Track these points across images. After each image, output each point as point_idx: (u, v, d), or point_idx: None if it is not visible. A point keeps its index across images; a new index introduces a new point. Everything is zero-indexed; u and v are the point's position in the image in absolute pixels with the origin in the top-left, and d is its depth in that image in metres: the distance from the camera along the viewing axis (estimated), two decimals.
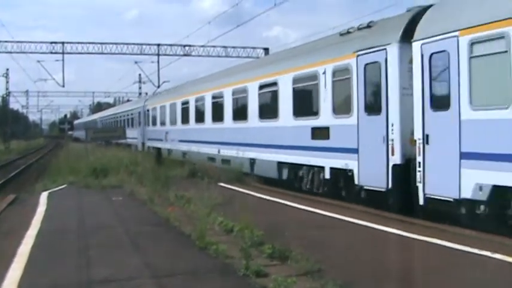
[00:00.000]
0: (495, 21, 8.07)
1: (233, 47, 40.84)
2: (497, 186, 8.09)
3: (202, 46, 39.89)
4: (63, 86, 44.54)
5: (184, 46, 40.96)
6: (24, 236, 8.54)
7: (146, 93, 59.31)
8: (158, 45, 41.21)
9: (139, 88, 66.31)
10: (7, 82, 63.58)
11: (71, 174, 18.38)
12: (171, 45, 41.46)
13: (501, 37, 7.97)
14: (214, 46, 40.14)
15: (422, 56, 9.56)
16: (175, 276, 6.11)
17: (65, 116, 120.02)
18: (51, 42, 39.43)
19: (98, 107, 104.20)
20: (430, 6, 10.26)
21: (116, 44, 40.73)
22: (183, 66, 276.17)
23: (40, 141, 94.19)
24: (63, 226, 9.60)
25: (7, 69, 63.77)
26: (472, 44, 8.50)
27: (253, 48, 40.97)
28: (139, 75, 63.36)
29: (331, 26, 30.23)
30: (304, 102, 13.84)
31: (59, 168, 22.56)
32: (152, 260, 6.83)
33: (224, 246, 7.17)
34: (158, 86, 44.39)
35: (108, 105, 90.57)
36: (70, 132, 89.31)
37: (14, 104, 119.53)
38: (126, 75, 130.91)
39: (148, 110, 33.23)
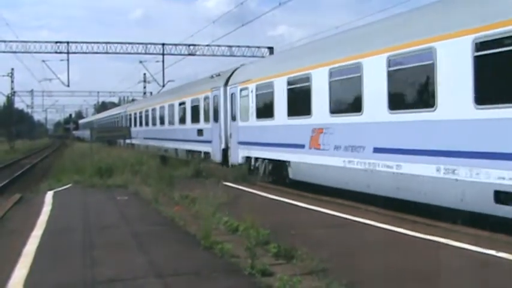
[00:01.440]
0: (246, 81, 17.84)
1: (238, 46, 40.98)
2: (246, 156, 17.86)
3: (207, 45, 40.37)
4: (68, 86, 45.14)
5: (189, 45, 41.12)
6: (30, 235, 8.51)
7: (151, 93, 61.19)
8: (163, 44, 41.47)
9: (144, 87, 66.63)
10: (12, 82, 63.67)
11: (75, 173, 18.59)
12: (175, 44, 41.51)
13: (247, 88, 17.70)
14: (219, 45, 40.35)
15: (230, 94, 19.36)
16: (180, 276, 6.12)
17: (70, 115, 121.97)
18: (56, 42, 39.72)
19: (103, 107, 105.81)
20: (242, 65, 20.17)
21: (120, 43, 40.93)
22: (188, 66, 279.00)
23: (45, 141, 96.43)
24: (68, 226, 9.60)
25: (12, 69, 64.01)
26: (241, 90, 18.27)
27: (258, 47, 41.23)
28: (144, 74, 63.35)
29: (334, 25, 36.20)
30: (195, 114, 23.71)
31: (64, 167, 22.98)
32: (157, 260, 6.82)
33: (229, 246, 7.14)
34: (163, 86, 45.77)
35: (113, 105, 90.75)
36: (74, 132, 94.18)
37: (19, 104, 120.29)
38: (131, 75, 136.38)
39: (128, 115, 43.28)
